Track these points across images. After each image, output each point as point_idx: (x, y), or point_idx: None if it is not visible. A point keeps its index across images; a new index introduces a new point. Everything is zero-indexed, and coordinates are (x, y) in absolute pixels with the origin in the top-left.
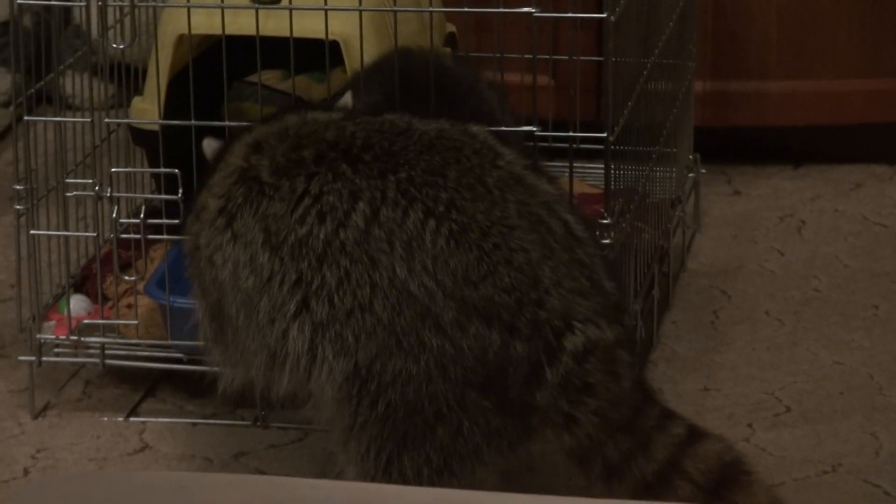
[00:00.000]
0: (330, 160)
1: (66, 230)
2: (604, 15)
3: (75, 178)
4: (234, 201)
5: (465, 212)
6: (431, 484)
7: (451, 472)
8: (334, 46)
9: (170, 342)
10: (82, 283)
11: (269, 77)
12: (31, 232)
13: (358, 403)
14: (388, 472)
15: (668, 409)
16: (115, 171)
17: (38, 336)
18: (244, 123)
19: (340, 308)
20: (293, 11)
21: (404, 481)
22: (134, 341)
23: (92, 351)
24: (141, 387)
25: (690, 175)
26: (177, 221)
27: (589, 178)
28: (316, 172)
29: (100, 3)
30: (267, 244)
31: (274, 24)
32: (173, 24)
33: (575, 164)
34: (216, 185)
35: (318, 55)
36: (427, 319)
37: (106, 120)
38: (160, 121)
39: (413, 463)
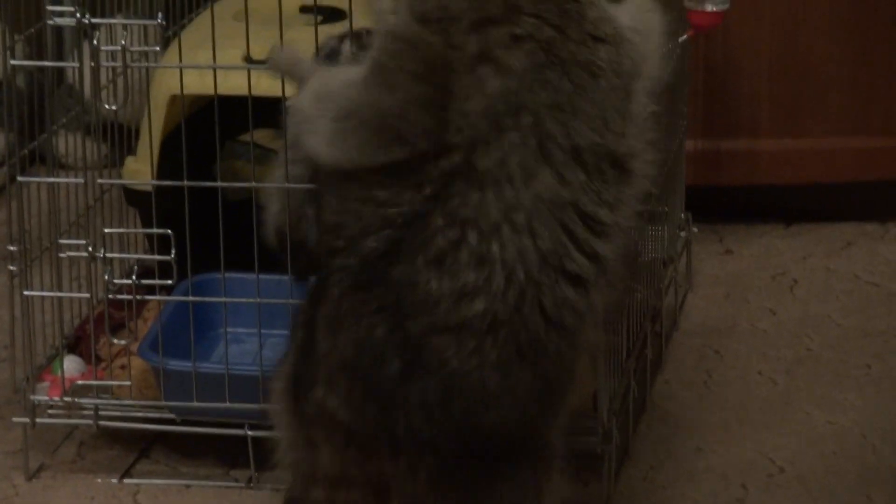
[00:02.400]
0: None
1: (60, 290)
2: None
3: (69, 238)
4: None
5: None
6: None
7: None
8: None
9: (163, 403)
10: (76, 344)
11: (262, 136)
12: (25, 293)
13: None
14: None
15: None
16: (108, 232)
17: (31, 397)
18: (237, 184)
19: None
20: None
21: None
22: (128, 402)
23: (86, 412)
24: (135, 448)
25: (682, 234)
26: (170, 282)
27: None
28: None
29: (92, 64)
30: None
31: (266, 83)
32: (166, 85)
33: None
34: None
35: None
36: None
37: (99, 180)
38: (153, 181)
39: None
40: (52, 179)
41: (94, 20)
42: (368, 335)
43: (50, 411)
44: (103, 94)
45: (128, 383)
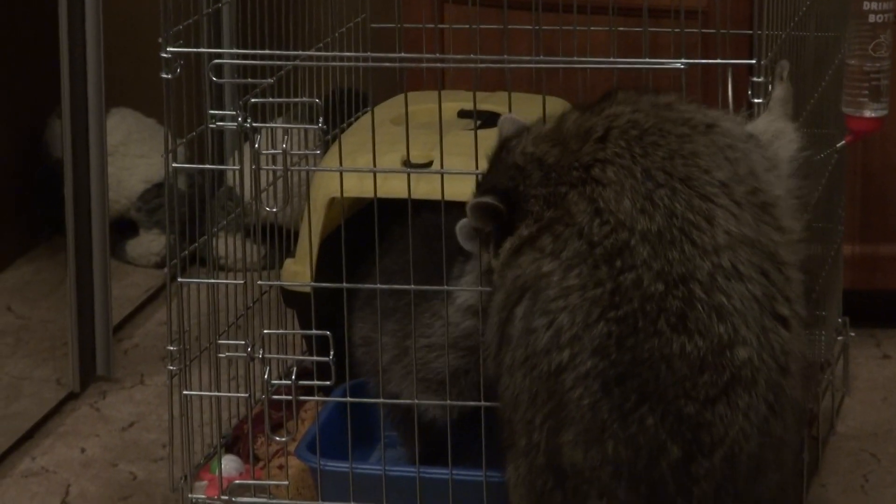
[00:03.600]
0: None
1: (218, 390)
2: None
3: (227, 339)
4: None
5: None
6: None
7: None
8: None
9: (321, 503)
10: (234, 443)
11: None
12: (184, 392)
13: None
14: None
15: None
16: (266, 333)
17: (189, 496)
18: (394, 286)
19: None
20: (445, 175)
21: None
22: (285, 502)
23: None
24: None
25: (839, 338)
26: (328, 383)
27: None
28: None
29: (253, 167)
30: None
31: (425, 186)
32: (325, 187)
33: None
34: None
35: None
36: None
37: (258, 282)
38: (312, 283)
39: None
40: (211, 280)
41: (255, 124)
42: (641, 430)
43: None
44: (263, 196)
45: (286, 483)
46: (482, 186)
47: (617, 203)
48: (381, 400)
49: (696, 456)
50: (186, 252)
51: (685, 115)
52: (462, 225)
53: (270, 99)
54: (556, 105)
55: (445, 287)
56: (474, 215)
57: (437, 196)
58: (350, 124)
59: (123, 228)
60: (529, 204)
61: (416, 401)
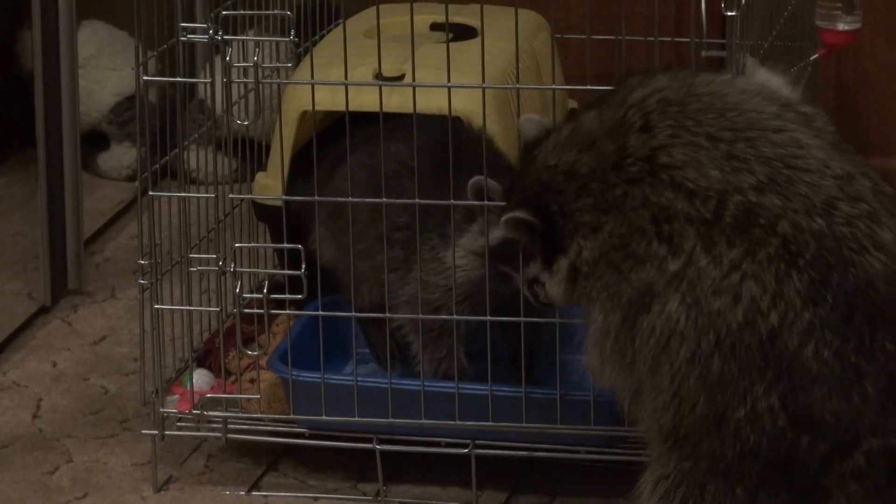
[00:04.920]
0: None
1: (190, 304)
2: None
3: (199, 252)
4: None
5: None
6: None
7: None
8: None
9: (292, 416)
10: (205, 358)
11: None
12: (155, 306)
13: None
14: None
15: None
16: (238, 246)
17: (161, 410)
18: (368, 199)
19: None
20: (417, 88)
21: None
22: (256, 415)
23: (214, 425)
24: (263, 461)
25: None
26: (300, 296)
27: None
28: None
29: (224, 80)
30: None
31: (397, 100)
32: (297, 101)
33: None
34: None
35: (441, 131)
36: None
37: (230, 195)
38: (283, 196)
39: None
40: (183, 194)
41: (226, 37)
42: (886, 357)
43: (179, 424)
44: (234, 109)
45: (257, 397)
46: (513, 197)
47: (706, 178)
48: (353, 314)
49: None
50: (158, 165)
51: (698, 78)
52: (474, 182)
53: (242, 11)
54: (529, 18)
55: (424, 201)
56: (509, 228)
57: (409, 109)
58: (322, 37)
59: (95, 141)
60: (576, 218)
61: (388, 314)
